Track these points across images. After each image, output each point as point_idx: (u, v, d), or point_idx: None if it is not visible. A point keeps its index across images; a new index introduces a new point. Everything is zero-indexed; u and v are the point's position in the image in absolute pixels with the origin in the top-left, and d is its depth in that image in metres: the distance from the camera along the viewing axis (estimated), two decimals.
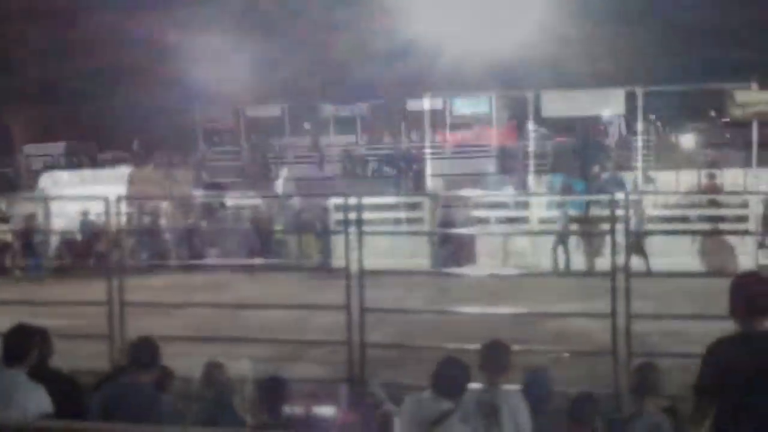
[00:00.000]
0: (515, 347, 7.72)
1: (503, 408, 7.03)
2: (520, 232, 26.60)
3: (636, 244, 23.87)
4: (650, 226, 25.52)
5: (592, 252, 25.56)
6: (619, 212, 11.97)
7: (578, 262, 25.57)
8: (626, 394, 7.09)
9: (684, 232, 25.36)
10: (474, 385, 7.09)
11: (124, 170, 31.16)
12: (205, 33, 43.31)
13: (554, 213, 26.71)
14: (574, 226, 25.90)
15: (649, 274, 21.59)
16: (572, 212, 26.10)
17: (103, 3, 43.37)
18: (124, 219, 22.76)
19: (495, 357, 7.25)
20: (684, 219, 27.25)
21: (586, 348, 12.12)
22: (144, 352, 7.35)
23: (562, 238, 25.15)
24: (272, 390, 7.45)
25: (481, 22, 34.25)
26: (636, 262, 23.73)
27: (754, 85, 26.50)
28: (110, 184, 26.60)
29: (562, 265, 25.23)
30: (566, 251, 25.32)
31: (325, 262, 26.22)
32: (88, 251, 28.28)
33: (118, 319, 11.61)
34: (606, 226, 22.11)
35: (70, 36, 44.10)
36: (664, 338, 13.53)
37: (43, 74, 44.94)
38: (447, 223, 25.70)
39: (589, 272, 23.05)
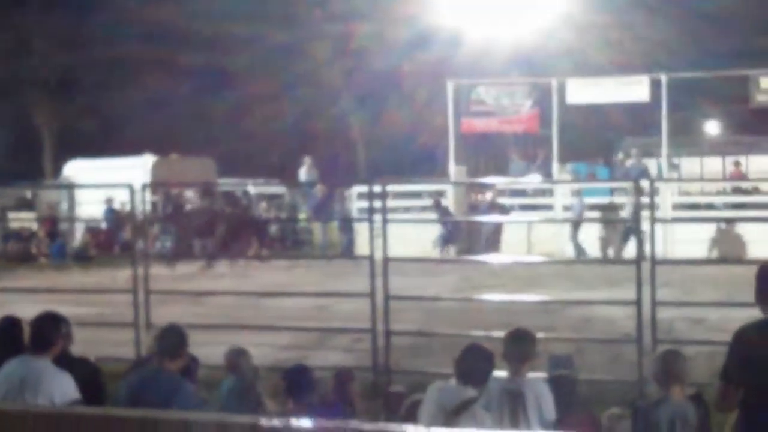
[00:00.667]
0: (540, 335, 7.72)
1: (528, 396, 7.04)
2: (543, 220, 26.56)
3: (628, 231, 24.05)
4: (674, 214, 25.44)
5: (617, 239, 25.48)
6: (644, 199, 11.95)
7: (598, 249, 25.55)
8: (651, 382, 7.05)
9: (704, 219, 25.25)
10: (498, 374, 7.10)
11: (148, 158, 31.25)
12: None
13: (572, 201, 26.69)
14: (592, 214, 25.88)
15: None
16: (593, 200, 26.08)
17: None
18: (149, 207, 22.88)
19: (519, 345, 7.24)
20: (709, 206, 27.16)
21: (611, 335, 12.10)
22: (171, 340, 7.37)
23: (577, 227, 25.14)
24: (297, 378, 7.47)
25: (505, 9, 34.13)
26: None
27: None
28: (134, 171, 26.69)
29: (583, 253, 25.21)
30: (578, 240, 25.34)
31: (348, 250, 26.27)
32: (113, 239, 28.44)
33: (143, 307, 11.67)
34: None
35: (84, 28, 44.32)
36: (688, 325, 13.53)
37: (62, 65, 45.06)
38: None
39: (614, 259, 22.98)
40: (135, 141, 36.08)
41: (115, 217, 27.66)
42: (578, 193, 26.00)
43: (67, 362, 7.29)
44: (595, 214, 26.35)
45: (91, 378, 7.48)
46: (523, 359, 7.15)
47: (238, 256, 24.74)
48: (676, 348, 7.25)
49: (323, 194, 28.53)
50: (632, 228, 23.04)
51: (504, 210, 26.86)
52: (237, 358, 8.67)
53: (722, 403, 5.84)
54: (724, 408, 5.88)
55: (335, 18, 44.96)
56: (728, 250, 23.52)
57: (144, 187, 12.99)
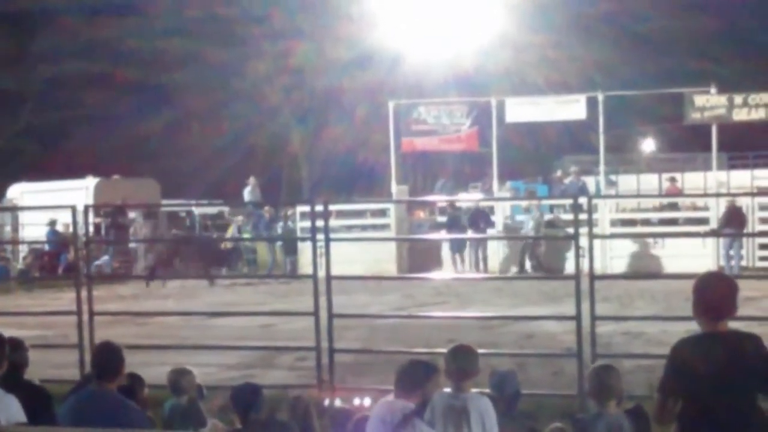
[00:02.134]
0: (482, 351, 7.86)
1: (471, 412, 7.14)
2: (486, 237, 26.77)
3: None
4: (612, 230, 25.81)
5: (557, 255, 25.84)
6: (582, 216, 12.15)
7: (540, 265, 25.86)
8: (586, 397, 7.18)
9: (641, 235, 25.67)
10: (442, 390, 7.21)
11: (91, 180, 31.11)
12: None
13: (521, 217, 27.00)
14: (544, 230, 26.22)
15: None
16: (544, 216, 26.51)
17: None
18: (92, 228, 22.77)
19: (462, 361, 7.33)
20: (645, 222, 27.59)
21: (552, 350, 12.29)
22: (107, 359, 7.38)
23: (529, 243, 25.44)
24: (246, 396, 7.52)
25: (444, 30, 34.40)
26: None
27: (713, 90, 26.84)
28: (77, 194, 26.60)
29: (527, 268, 25.53)
30: (532, 255, 25.60)
31: (292, 269, 26.33)
32: (56, 261, 28.26)
33: (88, 328, 11.64)
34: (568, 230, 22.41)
35: (24, 47, 44.00)
36: (627, 339, 13.76)
37: (1, 86, 44.59)
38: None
39: (554, 275, 23.28)
40: (76, 162, 35.85)
41: (58, 239, 27.48)
42: (529, 210, 26.30)
43: (15, 385, 7.29)
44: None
45: (40, 401, 7.49)
46: (465, 375, 7.26)
47: (183, 276, 24.73)
48: (609, 363, 7.40)
49: (270, 215, 28.64)
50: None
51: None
52: (179, 378, 8.70)
53: (660, 415, 5.94)
54: (663, 421, 5.98)
55: (276, 36, 45.01)
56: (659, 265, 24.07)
57: (87, 208, 12.97)
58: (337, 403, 9.28)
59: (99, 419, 6.82)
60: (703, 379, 5.65)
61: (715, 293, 5.82)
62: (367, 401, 8.95)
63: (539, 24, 39.85)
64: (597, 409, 6.83)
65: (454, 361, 7.31)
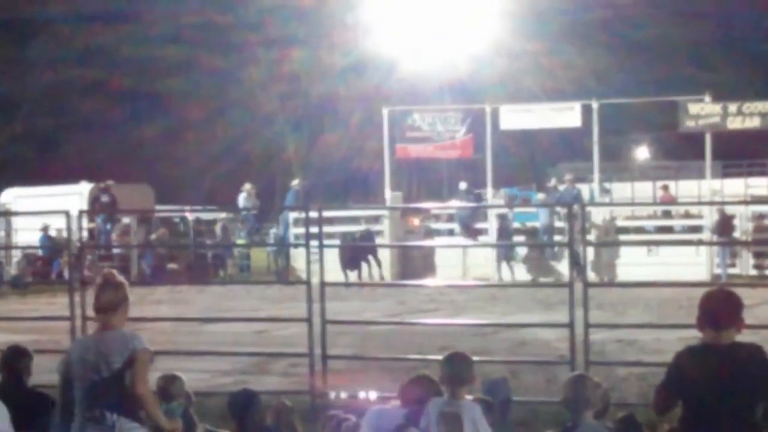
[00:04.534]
0: (475, 358, 7.86)
1: (465, 419, 7.15)
2: (477, 245, 26.79)
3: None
4: (607, 237, 25.85)
5: (548, 263, 25.96)
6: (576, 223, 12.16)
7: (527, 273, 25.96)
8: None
9: (636, 243, 25.69)
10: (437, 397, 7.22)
11: (85, 186, 31.07)
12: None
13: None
14: (518, 238, 26.38)
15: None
16: (518, 224, 26.65)
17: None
18: (85, 234, 22.76)
19: (456, 368, 7.33)
20: (639, 229, 27.63)
21: (545, 358, 12.28)
22: None
23: (504, 250, 25.57)
24: (243, 401, 7.52)
25: (439, 37, 34.46)
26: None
27: (707, 98, 26.90)
28: (72, 199, 26.57)
29: (507, 275, 25.57)
30: (509, 263, 25.72)
31: (285, 276, 26.32)
32: (50, 266, 28.25)
33: (81, 333, 11.62)
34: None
35: (19, 54, 44.00)
36: (620, 347, 13.76)
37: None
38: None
39: (548, 282, 23.30)
40: (71, 168, 35.85)
41: (51, 244, 27.47)
42: (504, 218, 26.34)
43: (17, 392, 7.33)
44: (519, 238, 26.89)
45: (40, 407, 7.52)
46: (460, 382, 7.26)
47: (176, 282, 24.75)
48: (583, 373, 7.41)
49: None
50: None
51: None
52: (167, 384, 8.70)
53: (658, 405, 6.07)
54: (660, 410, 6.12)
55: (271, 43, 45.06)
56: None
57: (81, 213, 12.94)
58: (334, 411, 9.25)
59: None
60: (704, 388, 5.73)
61: (717, 306, 5.92)
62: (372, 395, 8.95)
63: (534, 31, 39.99)
64: (572, 419, 6.81)
65: (449, 368, 7.31)
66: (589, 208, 24.90)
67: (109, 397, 6.45)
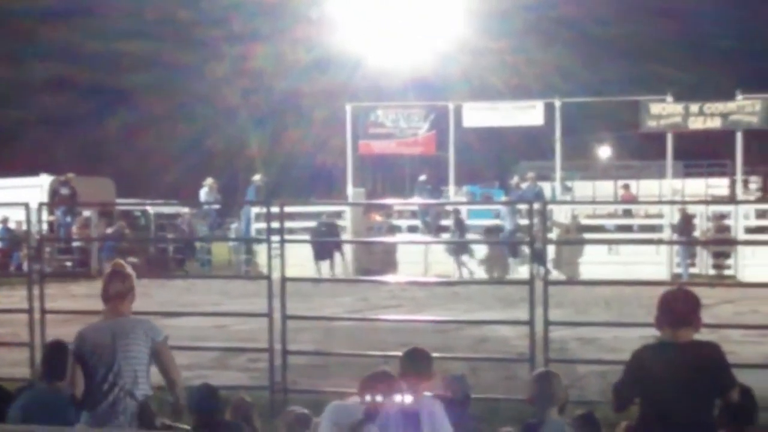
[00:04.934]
0: (435, 354, 7.87)
1: (424, 415, 7.14)
2: (439, 241, 26.86)
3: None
4: (569, 236, 25.97)
5: (510, 260, 26.04)
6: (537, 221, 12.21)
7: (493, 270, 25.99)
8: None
9: (596, 241, 25.84)
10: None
11: (45, 178, 30.82)
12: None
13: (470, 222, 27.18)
14: (473, 236, 26.49)
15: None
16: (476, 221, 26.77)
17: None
18: (45, 226, 22.59)
19: (416, 365, 7.33)
20: (599, 228, 27.78)
21: (505, 355, 12.32)
22: (56, 358, 7.37)
23: (457, 247, 25.68)
24: (202, 397, 7.48)
25: (403, 34, 34.47)
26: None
27: (669, 98, 27.07)
28: (32, 191, 26.34)
29: (463, 273, 25.65)
30: (459, 261, 25.82)
31: (247, 270, 26.26)
32: (9, 259, 28.01)
33: (39, 326, 11.53)
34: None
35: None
36: (580, 345, 13.83)
37: None
38: None
39: (509, 280, 23.40)
40: (32, 161, 35.60)
41: (10, 236, 27.26)
42: (458, 213, 26.46)
43: None
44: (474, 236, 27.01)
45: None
46: (419, 378, 7.26)
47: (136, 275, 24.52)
48: (548, 370, 7.45)
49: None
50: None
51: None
52: None
53: (616, 402, 6.15)
54: (618, 407, 6.19)
55: (234, 38, 44.93)
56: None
57: (40, 206, 12.83)
58: (299, 409, 9.22)
59: (48, 418, 6.79)
60: (661, 385, 5.80)
61: (675, 305, 5.98)
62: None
63: (498, 29, 40.12)
64: (537, 416, 6.85)
65: (409, 364, 7.30)
66: (550, 206, 25.03)
67: (125, 379, 6.89)
